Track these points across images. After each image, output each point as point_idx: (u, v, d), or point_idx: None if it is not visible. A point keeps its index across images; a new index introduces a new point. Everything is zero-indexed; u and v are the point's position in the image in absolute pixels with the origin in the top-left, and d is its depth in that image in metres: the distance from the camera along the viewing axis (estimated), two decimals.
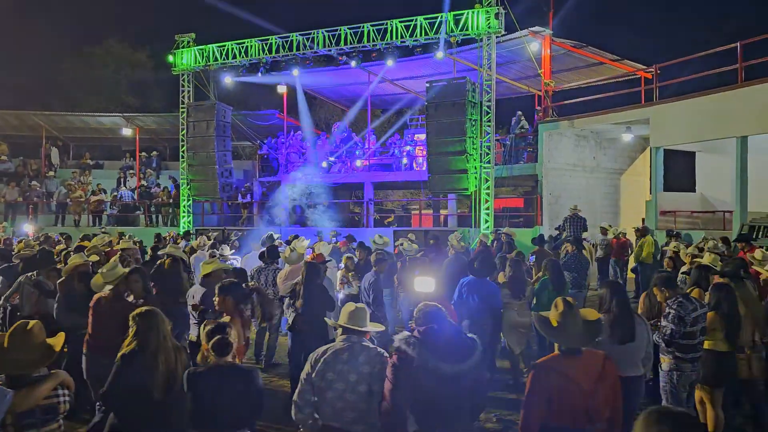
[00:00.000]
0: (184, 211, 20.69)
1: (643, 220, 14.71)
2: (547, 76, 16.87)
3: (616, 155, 18.30)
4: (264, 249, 8.78)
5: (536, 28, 16.37)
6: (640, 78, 16.46)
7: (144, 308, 4.16)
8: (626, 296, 4.74)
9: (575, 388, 3.21)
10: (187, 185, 20.34)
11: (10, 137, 24.80)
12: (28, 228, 17.65)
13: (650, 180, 14.29)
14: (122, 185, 23.73)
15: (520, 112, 17.84)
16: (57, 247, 11.15)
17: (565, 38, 17.20)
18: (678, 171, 15.83)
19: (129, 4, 34.05)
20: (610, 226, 14.83)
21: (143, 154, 25.11)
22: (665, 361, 5.02)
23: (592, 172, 17.84)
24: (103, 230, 18.32)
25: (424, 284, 5.15)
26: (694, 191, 16.16)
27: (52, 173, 23.92)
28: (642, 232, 13.19)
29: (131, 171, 24.40)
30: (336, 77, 21.58)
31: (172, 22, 25.45)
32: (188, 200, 20.65)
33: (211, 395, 3.69)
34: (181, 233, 17.98)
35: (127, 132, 23.77)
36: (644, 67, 16.84)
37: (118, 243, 10.34)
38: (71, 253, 8.26)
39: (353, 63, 18.00)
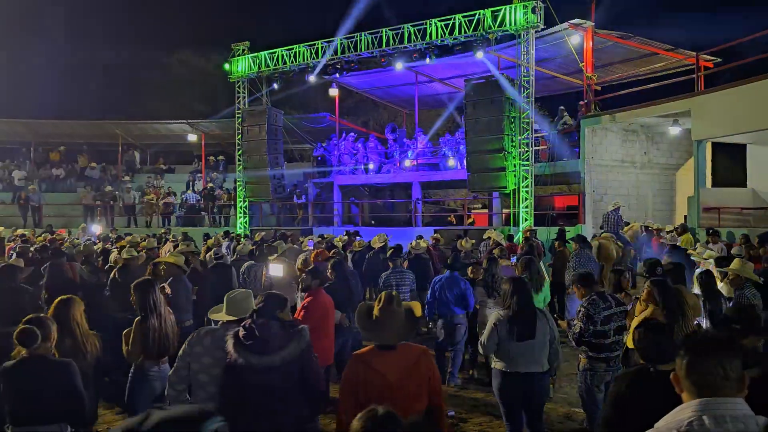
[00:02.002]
0: (240, 212, 21.61)
1: (685, 217, 13.93)
2: (589, 69, 16.31)
3: (671, 150, 17.39)
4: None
5: (576, 21, 15.87)
6: (698, 67, 15.58)
7: (64, 296, 4.51)
8: (528, 293, 4.66)
9: (381, 382, 3.21)
10: (243, 187, 21.27)
11: (93, 145, 26.88)
12: (96, 229, 19.06)
13: (694, 175, 13.50)
14: (190, 188, 25.09)
15: (562, 108, 17.35)
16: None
17: (611, 29, 16.55)
18: (728, 165, 14.82)
19: (202, 15, 35.85)
20: (652, 224, 14.23)
21: (211, 158, 26.51)
22: (581, 361, 4.88)
23: (642, 168, 17.06)
24: (163, 231, 19.58)
25: (275, 269, 5.35)
26: (746, 186, 15.09)
27: (127, 177, 25.67)
28: (680, 231, 12.54)
29: (199, 174, 25.79)
30: (386, 78, 21.82)
31: (238, 31, 26.53)
32: (244, 202, 21.55)
33: (21, 388, 3.70)
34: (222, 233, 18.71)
35: (192, 138, 25.11)
36: (701, 54, 15.92)
37: (145, 242, 11.08)
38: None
39: (398, 65, 18.24)
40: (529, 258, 7.22)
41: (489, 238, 11.95)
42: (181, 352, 3.91)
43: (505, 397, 4.56)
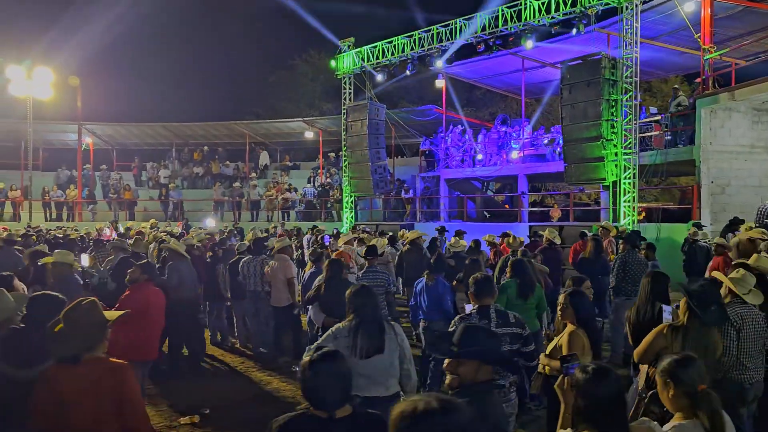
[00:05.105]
0: (346, 208, 21.79)
1: None
2: (707, 41, 14.05)
3: None
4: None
5: None
6: None
7: None
8: (373, 300, 3.91)
9: (55, 400, 2.77)
10: (348, 183, 21.41)
11: (226, 144, 28.81)
12: (210, 223, 20.29)
13: None
14: (309, 183, 25.90)
15: (676, 87, 15.17)
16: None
17: None
18: None
19: (327, 15, 36.96)
20: None
21: (331, 154, 27.15)
22: None
23: None
24: (273, 225, 20.42)
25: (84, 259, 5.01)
26: None
27: (254, 174, 27.12)
28: None
29: (319, 170, 26.52)
30: (493, 66, 20.76)
31: (352, 27, 26.82)
32: (350, 197, 21.70)
33: None
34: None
35: (309, 135, 25.87)
36: None
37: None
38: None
39: (488, 52, 17.31)
40: (518, 260, 6.25)
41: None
42: None
43: None
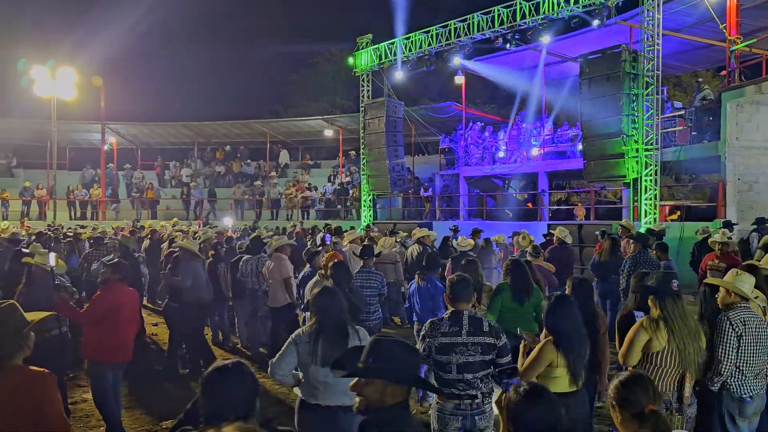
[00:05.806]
0: (365, 206, 21.58)
1: None
2: (733, 31, 13.48)
3: None
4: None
5: None
6: None
7: None
8: (337, 304, 3.65)
9: None
10: (366, 181, 21.20)
11: (248, 143, 28.84)
12: (228, 221, 20.28)
13: None
14: (329, 182, 25.75)
15: (700, 80, 14.59)
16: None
17: None
18: None
19: (350, 12, 36.78)
20: None
21: (352, 152, 26.96)
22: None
23: None
24: (292, 224, 20.33)
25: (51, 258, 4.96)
26: None
27: (274, 173, 27.09)
28: None
29: (340, 169, 26.36)
30: (513, 62, 20.33)
31: (371, 23, 26.55)
32: (368, 195, 21.48)
33: None
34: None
35: (328, 133, 25.71)
36: None
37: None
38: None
39: (508, 46, 16.91)
40: (514, 261, 5.95)
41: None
42: None
43: None
